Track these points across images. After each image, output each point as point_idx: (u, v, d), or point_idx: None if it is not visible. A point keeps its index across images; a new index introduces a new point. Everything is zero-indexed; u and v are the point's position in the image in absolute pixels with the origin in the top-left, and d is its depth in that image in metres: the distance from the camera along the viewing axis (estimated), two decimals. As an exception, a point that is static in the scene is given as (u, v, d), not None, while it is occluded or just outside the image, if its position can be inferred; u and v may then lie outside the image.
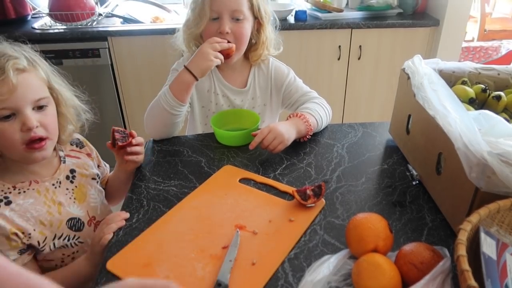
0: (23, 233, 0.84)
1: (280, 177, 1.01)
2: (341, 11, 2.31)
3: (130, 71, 2.21)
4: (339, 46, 2.29)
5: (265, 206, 0.92)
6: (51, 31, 2.15)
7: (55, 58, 2.12)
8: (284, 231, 0.85)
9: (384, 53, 2.34)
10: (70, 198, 0.94)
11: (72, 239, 0.92)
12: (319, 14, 2.28)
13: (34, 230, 0.85)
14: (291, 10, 2.30)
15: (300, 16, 2.26)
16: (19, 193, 0.86)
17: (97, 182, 1.04)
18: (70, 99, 0.94)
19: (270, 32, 1.23)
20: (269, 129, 1.05)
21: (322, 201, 0.92)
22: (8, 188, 0.86)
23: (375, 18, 2.29)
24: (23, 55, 0.85)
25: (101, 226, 0.86)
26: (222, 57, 1.09)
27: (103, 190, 1.06)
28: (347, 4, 2.44)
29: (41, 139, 0.84)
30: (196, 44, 1.21)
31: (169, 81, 1.24)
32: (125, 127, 2.37)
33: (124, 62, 2.19)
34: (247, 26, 1.15)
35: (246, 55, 1.26)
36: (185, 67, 1.08)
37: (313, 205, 0.90)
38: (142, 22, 2.31)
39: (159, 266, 0.76)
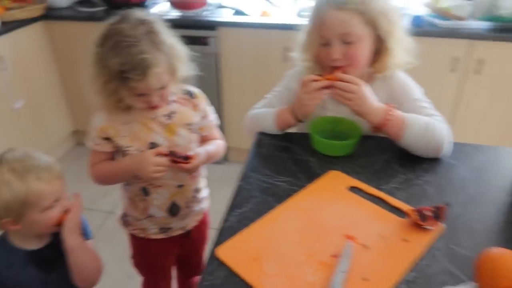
0: (115, 135, 1.10)
1: (393, 191, 0.95)
2: (463, 19, 2.13)
3: (234, 61, 2.27)
4: (455, 58, 2.12)
5: (375, 220, 0.87)
6: (166, 17, 2.28)
7: (167, 42, 2.24)
8: (397, 250, 0.79)
9: (509, 69, 2.11)
10: (161, 129, 1.12)
11: None
12: (437, 21, 2.13)
13: (125, 136, 1.09)
14: (405, 15, 2.17)
15: (415, 21, 2.13)
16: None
17: (191, 129, 1.17)
18: (183, 72, 1.09)
19: (400, 37, 1.07)
20: (357, 82, 1.00)
21: (441, 225, 0.84)
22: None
23: (503, 30, 2.07)
24: (159, 53, 0.98)
25: (160, 163, 1.04)
26: (322, 94, 1.03)
27: (194, 137, 1.19)
28: (471, 12, 2.24)
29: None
30: (312, 68, 1.15)
31: (280, 88, 1.24)
32: (220, 118, 2.43)
33: (230, 53, 2.25)
34: (362, 47, 1.03)
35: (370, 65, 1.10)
36: (291, 108, 1.10)
37: (431, 228, 0.83)
38: (251, 15, 2.35)
39: (267, 262, 0.76)
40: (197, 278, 1.65)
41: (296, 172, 1.00)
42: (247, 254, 0.77)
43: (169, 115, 1.14)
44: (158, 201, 1.19)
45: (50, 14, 2.39)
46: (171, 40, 1.05)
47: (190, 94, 1.19)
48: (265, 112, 1.18)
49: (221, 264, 0.75)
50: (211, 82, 2.34)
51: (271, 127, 1.15)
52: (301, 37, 1.14)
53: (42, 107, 2.44)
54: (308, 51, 1.12)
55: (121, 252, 1.99)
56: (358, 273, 0.74)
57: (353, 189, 0.96)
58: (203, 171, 1.29)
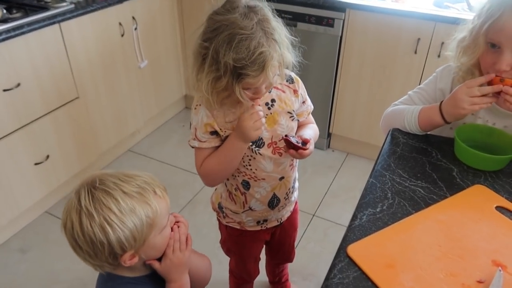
0: (221, 129, 1.02)
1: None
2: None
3: (357, 47, 2.15)
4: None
5: (529, 249, 0.75)
6: (292, -8, 2.22)
7: (291, 19, 2.20)
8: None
9: None
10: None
11: (252, 150, 1.06)
12: None
13: (229, 130, 1.01)
14: None
15: None
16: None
17: (291, 117, 1.08)
18: (287, 59, 0.97)
19: None
20: None
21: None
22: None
23: None
24: (273, 44, 0.88)
25: (257, 118, 0.96)
26: (484, 102, 0.92)
27: (294, 124, 1.11)
28: None
29: None
30: (470, 70, 1.02)
31: (426, 86, 1.13)
32: (331, 103, 2.36)
33: (354, 38, 2.14)
34: None
35: None
36: (439, 106, 0.99)
37: None
38: (384, 0, 2.19)
39: (403, 272, 0.70)
40: (287, 265, 1.65)
41: (436, 180, 0.91)
42: (380, 258, 0.72)
43: (270, 104, 1.05)
44: (259, 194, 1.14)
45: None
46: (278, 25, 0.93)
47: (290, 80, 1.08)
48: (406, 108, 1.08)
49: (351, 263, 0.71)
50: (328, 66, 2.26)
51: (412, 125, 1.05)
52: (462, 35, 1.01)
53: (162, 70, 2.58)
54: (469, 52, 0.98)
55: (214, 218, 2.06)
56: (510, 309, 0.65)
57: (501, 209, 0.85)
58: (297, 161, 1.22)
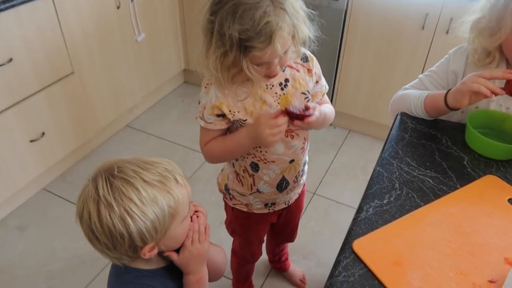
0: (230, 111, 0.97)
1: None
2: None
3: (363, 22, 2.07)
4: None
5: (542, 245, 0.72)
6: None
7: (294, -9, 2.10)
8: None
9: None
10: (275, 101, 0.99)
11: None
12: None
13: (238, 112, 0.97)
14: None
15: None
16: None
17: (306, 98, 1.03)
18: (304, 33, 0.91)
19: None
20: None
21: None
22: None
23: None
24: (282, 14, 0.83)
25: (275, 125, 0.91)
26: (487, 86, 0.86)
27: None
28: None
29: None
30: (487, 52, 0.96)
31: (437, 68, 1.07)
32: (335, 78, 2.29)
33: (360, 12, 2.05)
34: None
35: None
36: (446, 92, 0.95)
37: None
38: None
39: (411, 270, 0.67)
40: (287, 245, 1.63)
41: (446, 169, 0.87)
42: (387, 254, 0.69)
43: (284, 84, 1.00)
44: (268, 176, 1.10)
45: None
46: None
47: (304, 58, 1.03)
48: (415, 92, 1.04)
49: (357, 260, 0.68)
50: (332, 41, 2.18)
51: (418, 109, 1.01)
52: (476, 16, 0.94)
53: (160, 43, 2.49)
54: (490, 34, 0.92)
55: (216, 196, 2.04)
56: (521, 310, 0.62)
57: (514, 202, 0.81)
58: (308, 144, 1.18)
